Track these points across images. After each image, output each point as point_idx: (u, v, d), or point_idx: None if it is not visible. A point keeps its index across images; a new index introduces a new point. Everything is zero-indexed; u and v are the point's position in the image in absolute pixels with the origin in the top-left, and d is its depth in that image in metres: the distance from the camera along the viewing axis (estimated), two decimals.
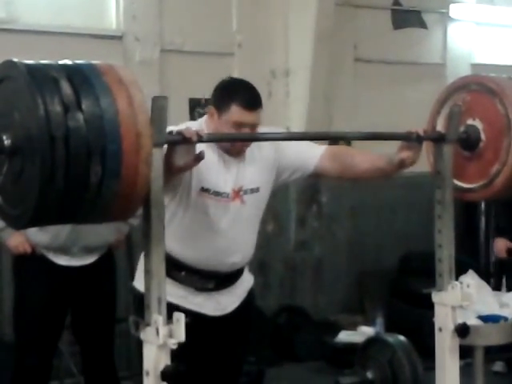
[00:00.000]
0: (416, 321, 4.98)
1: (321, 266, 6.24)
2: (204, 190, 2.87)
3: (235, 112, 2.84)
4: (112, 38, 5.14)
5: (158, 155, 2.29)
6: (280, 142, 3.01)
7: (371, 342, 4.20)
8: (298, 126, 5.66)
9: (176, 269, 2.90)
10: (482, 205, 6.02)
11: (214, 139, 2.77)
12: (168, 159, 2.40)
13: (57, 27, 4.92)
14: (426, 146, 3.00)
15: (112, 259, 4.13)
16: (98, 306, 4.02)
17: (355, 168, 3.02)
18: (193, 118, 5.42)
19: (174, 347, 2.29)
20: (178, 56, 5.41)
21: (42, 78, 2.01)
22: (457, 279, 2.96)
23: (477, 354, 4.22)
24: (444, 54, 6.72)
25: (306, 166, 3.06)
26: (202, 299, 2.98)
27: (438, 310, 2.94)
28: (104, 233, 3.93)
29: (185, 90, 5.36)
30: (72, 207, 2.07)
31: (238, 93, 2.87)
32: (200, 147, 2.53)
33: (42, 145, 1.97)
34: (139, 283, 2.80)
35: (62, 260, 3.87)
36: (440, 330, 2.92)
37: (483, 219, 6.16)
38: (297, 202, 6.09)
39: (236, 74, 5.60)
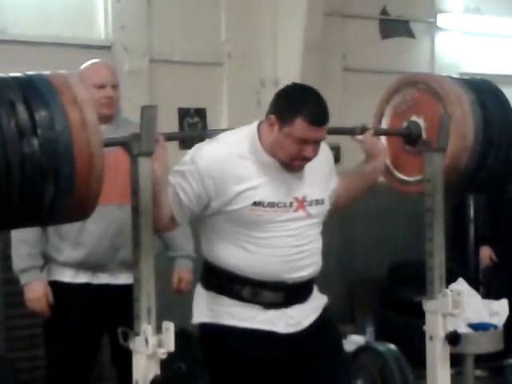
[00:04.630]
0: (406, 329, 4.97)
1: None
2: (256, 204, 2.57)
3: (300, 127, 2.53)
4: (101, 48, 5.12)
5: (147, 164, 2.29)
6: (332, 160, 2.90)
7: (361, 350, 4.19)
8: None
9: (238, 284, 2.62)
10: (471, 213, 6.03)
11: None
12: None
13: (45, 37, 4.90)
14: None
15: None
16: None
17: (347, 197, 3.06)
18: (182, 127, 5.42)
19: (164, 357, 2.29)
20: (167, 66, 5.40)
21: None
22: (447, 287, 2.96)
23: (467, 362, 4.22)
24: (432, 63, 6.72)
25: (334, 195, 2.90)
26: (272, 316, 2.65)
27: (428, 318, 2.94)
28: None
29: (174, 99, 5.35)
30: (28, 219, 2.19)
31: (305, 105, 2.57)
32: (246, 162, 2.57)
33: None
34: (199, 317, 2.70)
35: (98, 279, 3.43)
36: (431, 338, 2.92)
37: (472, 227, 6.16)
38: None
39: (225, 84, 5.61)
